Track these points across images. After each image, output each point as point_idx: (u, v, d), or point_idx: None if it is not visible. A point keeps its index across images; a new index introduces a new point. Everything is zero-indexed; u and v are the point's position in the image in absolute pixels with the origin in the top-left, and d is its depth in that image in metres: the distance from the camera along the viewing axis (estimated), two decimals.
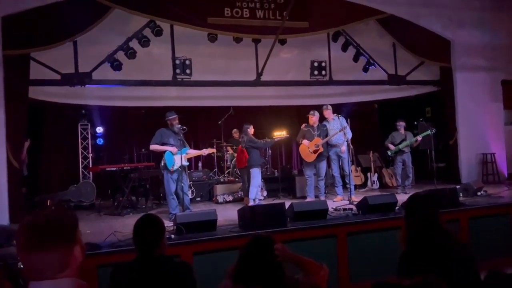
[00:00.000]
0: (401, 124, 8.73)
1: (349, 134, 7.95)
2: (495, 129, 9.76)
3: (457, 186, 6.95)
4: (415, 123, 9.27)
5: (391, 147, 8.64)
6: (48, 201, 8.22)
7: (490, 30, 9.74)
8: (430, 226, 2.40)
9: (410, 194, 2.85)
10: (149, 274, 2.33)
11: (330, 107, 8.25)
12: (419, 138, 8.44)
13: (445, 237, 2.39)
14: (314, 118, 7.95)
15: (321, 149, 7.76)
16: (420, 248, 2.36)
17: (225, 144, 10.35)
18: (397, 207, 5.89)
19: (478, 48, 9.66)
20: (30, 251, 1.35)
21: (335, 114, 8.19)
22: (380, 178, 9.96)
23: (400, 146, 8.54)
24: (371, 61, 9.58)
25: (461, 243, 2.43)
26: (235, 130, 10.47)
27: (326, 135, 7.89)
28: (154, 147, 6.61)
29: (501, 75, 9.89)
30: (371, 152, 10.21)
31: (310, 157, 7.82)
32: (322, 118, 8.20)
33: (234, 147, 10.05)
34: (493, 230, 5.95)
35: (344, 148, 7.84)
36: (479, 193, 7.09)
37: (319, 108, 8.25)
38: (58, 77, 7.68)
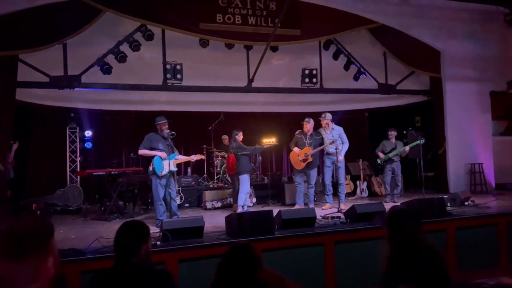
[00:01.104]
0: (393, 134, 8.78)
1: (346, 145, 7.85)
2: (483, 140, 9.84)
3: (445, 196, 6.97)
4: (404, 132, 9.32)
5: (381, 155, 8.67)
6: (34, 205, 8.09)
7: (479, 41, 9.86)
8: (414, 240, 2.39)
9: (391, 207, 2.85)
10: (126, 282, 2.28)
11: (328, 116, 7.98)
12: (407, 148, 8.49)
13: (429, 251, 2.39)
14: (308, 125, 7.88)
15: (310, 159, 7.71)
16: (404, 263, 2.35)
17: (215, 150, 10.31)
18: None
19: (468, 59, 9.77)
20: (6, 259, 1.29)
21: (331, 124, 7.98)
22: (369, 187, 9.97)
23: (390, 155, 8.57)
24: (362, 69, 9.65)
25: (441, 257, 2.42)
26: (224, 136, 10.43)
27: (320, 144, 7.86)
28: (143, 152, 6.53)
29: (490, 86, 10.00)
30: (361, 160, 10.24)
31: (299, 165, 7.80)
32: (320, 125, 8.11)
33: (224, 153, 10.02)
34: (480, 240, 5.96)
35: (341, 157, 7.78)
36: (466, 203, 7.11)
37: (309, 115, 8.24)
38: (46, 79, 7.61)
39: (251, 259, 2.20)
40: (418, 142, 8.28)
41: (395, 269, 2.36)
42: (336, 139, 7.65)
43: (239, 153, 7.75)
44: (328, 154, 7.97)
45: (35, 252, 1.32)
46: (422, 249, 2.38)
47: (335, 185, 8.13)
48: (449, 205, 6.77)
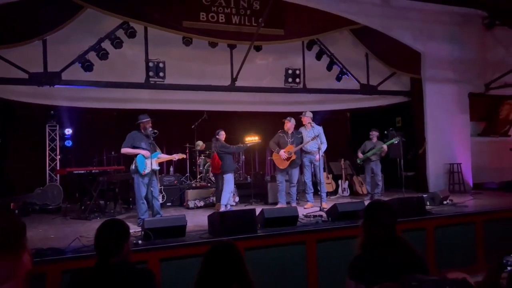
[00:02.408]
0: (374, 134, 8.90)
1: (324, 145, 7.90)
2: (462, 140, 10.05)
3: (425, 195, 7.10)
4: (385, 132, 9.46)
5: (360, 155, 8.80)
6: (12, 203, 7.92)
7: (459, 44, 10.06)
8: (386, 233, 2.44)
9: (370, 201, 2.90)
10: (108, 281, 2.26)
11: (309, 114, 8.10)
12: (384, 146, 8.62)
13: (401, 245, 2.44)
14: (289, 124, 7.93)
15: (294, 157, 7.77)
16: (374, 253, 2.40)
17: (197, 148, 10.26)
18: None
19: (447, 61, 9.96)
20: None
21: (312, 123, 8.06)
22: (351, 186, 10.08)
23: (368, 154, 8.69)
24: (344, 70, 9.76)
25: (417, 255, 2.47)
26: (198, 142, 10.29)
27: (301, 143, 7.90)
28: (126, 150, 6.44)
29: (468, 87, 10.21)
30: (343, 159, 10.34)
31: (283, 164, 7.84)
32: (301, 125, 8.18)
33: (207, 151, 9.98)
34: (457, 238, 6.10)
35: (318, 156, 7.84)
36: (445, 202, 7.26)
37: (292, 115, 8.28)
38: (26, 76, 7.46)
39: (233, 257, 2.21)
40: (393, 140, 8.42)
41: (364, 258, 2.41)
42: (316, 135, 7.69)
43: (223, 152, 7.74)
44: (306, 153, 8.02)
45: (7, 251, 1.29)
46: (394, 243, 2.43)
47: (316, 184, 8.18)
48: (428, 204, 6.90)
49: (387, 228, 2.45)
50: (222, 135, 7.91)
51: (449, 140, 9.89)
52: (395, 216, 2.56)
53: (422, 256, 2.48)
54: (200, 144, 10.20)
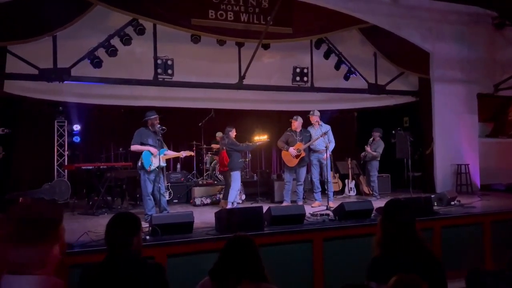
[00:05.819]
0: (375, 134, 9.13)
1: (332, 144, 7.90)
2: (470, 141, 9.98)
3: (432, 195, 7.07)
4: (393, 132, 9.43)
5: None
6: (20, 199, 7.99)
7: (467, 44, 9.98)
8: (406, 233, 2.43)
9: (388, 200, 2.88)
10: (119, 275, 2.27)
11: (316, 113, 8.12)
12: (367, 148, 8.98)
13: (419, 245, 2.43)
14: (296, 123, 7.94)
15: (303, 154, 7.78)
16: (393, 254, 2.39)
17: (205, 146, 10.29)
18: (373, 214, 5.95)
19: (456, 61, 9.89)
20: (16, 244, 1.31)
21: (320, 122, 8.08)
22: (358, 185, 10.06)
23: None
24: (352, 69, 9.72)
25: (434, 256, 2.46)
26: (218, 133, 10.36)
27: (309, 141, 7.89)
28: (135, 147, 6.48)
29: (477, 88, 10.13)
30: (349, 159, 10.31)
31: (292, 162, 7.84)
32: (309, 123, 8.18)
33: (215, 150, 10.01)
34: (464, 239, 6.07)
35: (326, 154, 7.83)
36: (452, 203, 7.21)
37: (300, 113, 8.28)
38: (35, 72, 7.52)
39: (251, 251, 2.23)
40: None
41: (383, 262, 2.40)
42: (323, 132, 7.69)
43: (232, 150, 7.76)
44: (314, 151, 8.02)
45: (44, 238, 1.34)
46: (412, 243, 2.42)
47: (324, 183, 8.18)
48: (435, 204, 6.87)
49: (404, 227, 2.44)
50: (233, 132, 7.92)
51: (457, 140, 9.82)
52: (413, 216, 2.55)
53: (438, 258, 2.47)
54: (221, 135, 10.23)
